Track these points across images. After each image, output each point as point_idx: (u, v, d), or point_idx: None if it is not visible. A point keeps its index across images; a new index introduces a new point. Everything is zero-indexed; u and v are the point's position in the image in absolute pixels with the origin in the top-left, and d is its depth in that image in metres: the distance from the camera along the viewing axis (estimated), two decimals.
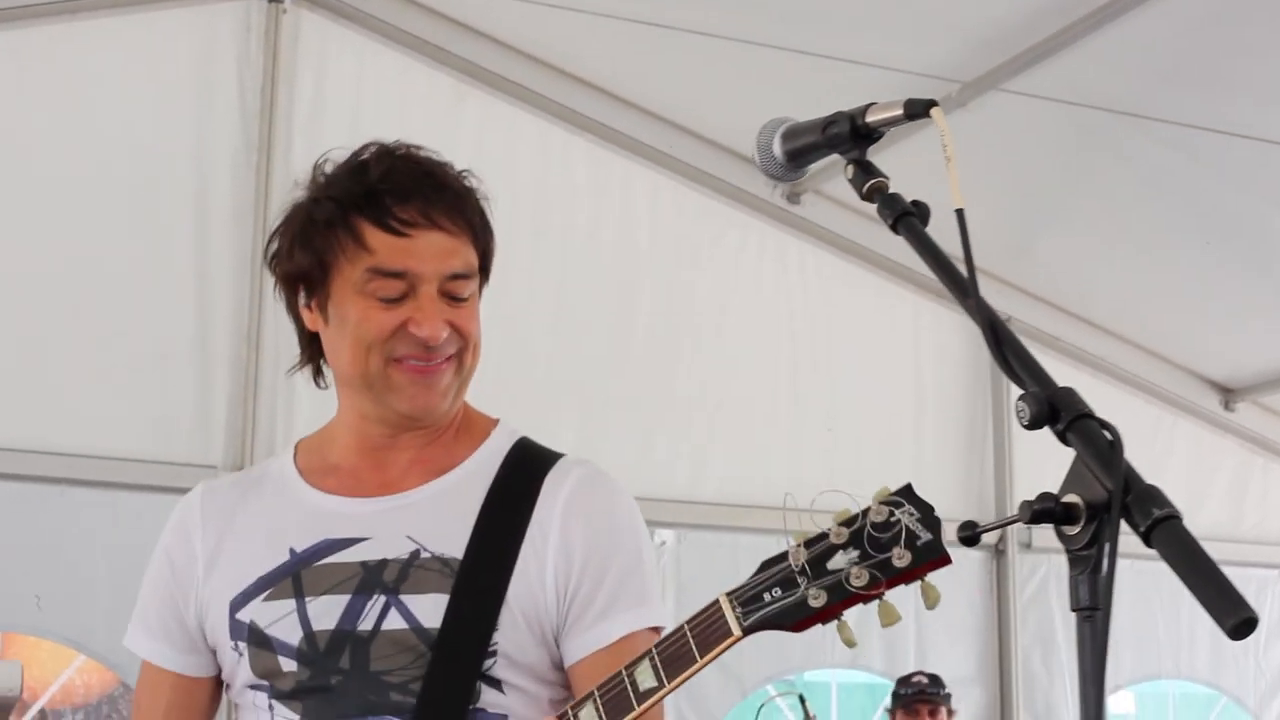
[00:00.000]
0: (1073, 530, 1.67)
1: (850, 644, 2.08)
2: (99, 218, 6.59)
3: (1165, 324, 8.56)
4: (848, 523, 2.04)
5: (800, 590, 2.06)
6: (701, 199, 7.79)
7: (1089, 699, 1.69)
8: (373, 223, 2.52)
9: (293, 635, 2.50)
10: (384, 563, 2.50)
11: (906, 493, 2.03)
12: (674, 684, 2.14)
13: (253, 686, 2.55)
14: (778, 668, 7.74)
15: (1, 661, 5.36)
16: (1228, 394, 8.96)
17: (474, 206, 2.65)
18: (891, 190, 2.11)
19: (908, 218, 2.06)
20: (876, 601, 2.04)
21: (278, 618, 2.51)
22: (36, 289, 6.45)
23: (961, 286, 1.95)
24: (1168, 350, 8.73)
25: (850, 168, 2.15)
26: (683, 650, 2.14)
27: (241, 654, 2.54)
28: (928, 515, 2.00)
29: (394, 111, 7.13)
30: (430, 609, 2.46)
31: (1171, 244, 7.80)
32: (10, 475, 6.28)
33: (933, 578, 2.02)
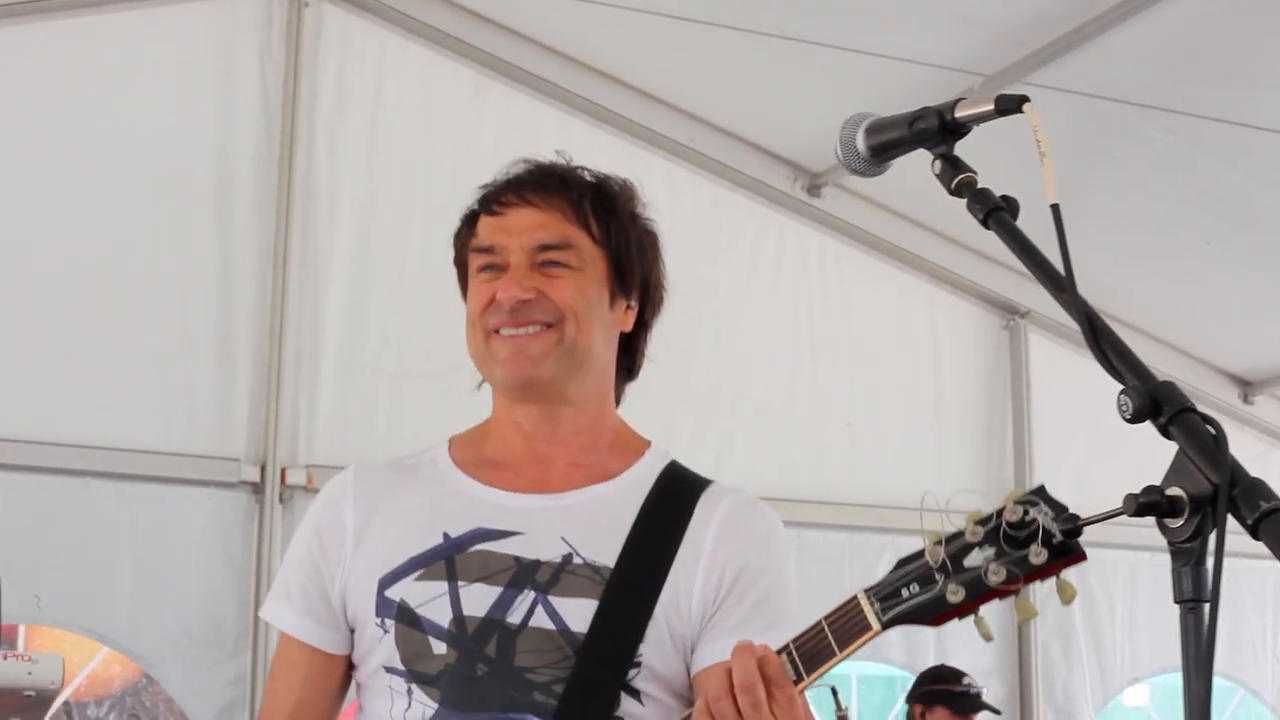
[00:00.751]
0: (1176, 523, 1.68)
1: (988, 638, 2.11)
2: (121, 211, 6.61)
3: (1184, 317, 8.56)
4: (983, 522, 2.07)
5: (938, 586, 2.10)
6: (722, 191, 7.80)
7: (1194, 691, 1.70)
8: (482, 211, 2.72)
9: (443, 617, 2.53)
10: (537, 563, 2.54)
11: (1041, 492, 2.05)
12: (812, 677, 2.19)
13: (390, 669, 2.56)
14: None
15: (43, 655, 5.37)
16: (1246, 387, 8.97)
17: (582, 187, 2.76)
18: (981, 185, 2.11)
19: (998, 213, 2.06)
20: (1012, 598, 2.09)
21: (429, 598, 2.54)
22: (59, 282, 6.47)
23: (1057, 282, 1.96)
24: (1186, 343, 8.73)
25: (937, 163, 2.16)
26: (821, 645, 2.18)
27: (387, 631, 2.56)
28: (1062, 514, 2.02)
29: (415, 104, 7.16)
30: (578, 613, 2.51)
31: (1191, 237, 7.79)
32: (34, 468, 6.29)
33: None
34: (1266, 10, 6.11)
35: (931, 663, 7.65)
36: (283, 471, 6.56)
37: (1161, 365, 8.59)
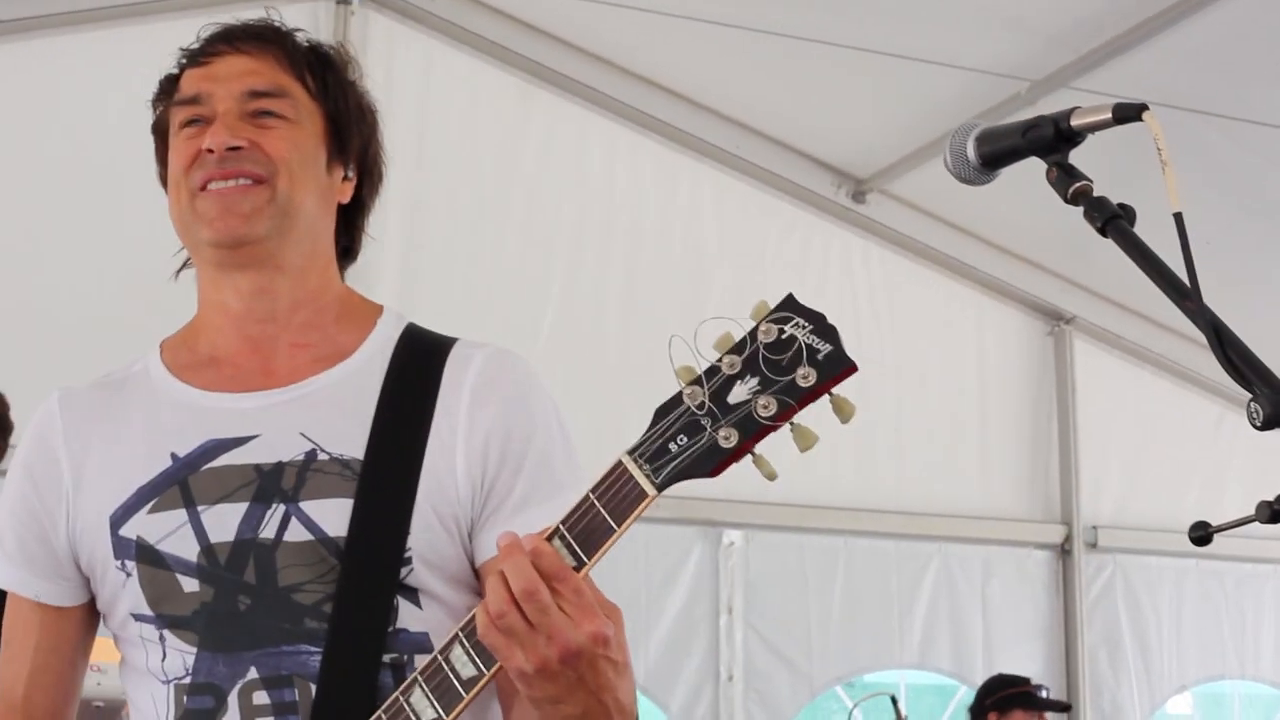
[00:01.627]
0: None
1: (771, 477, 1.94)
2: (168, 219, 6.63)
3: (1228, 321, 8.50)
4: (736, 349, 1.92)
5: (707, 433, 1.92)
6: (768, 198, 7.80)
7: None
8: (188, 67, 2.43)
9: (189, 550, 2.22)
10: (280, 466, 2.24)
11: (790, 304, 1.94)
12: (593, 560, 1.94)
13: (139, 616, 2.25)
14: (846, 668, 7.74)
15: (112, 665, 5.34)
16: None
17: (297, 41, 2.45)
18: (1098, 194, 2.10)
19: (1116, 220, 2.04)
20: (789, 427, 1.92)
21: (169, 531, 2.23)
22: (106, 296, 6.50)
23: (1179, 289, 1.91)
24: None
25: (1052, 170, 2.13)
26: (595, 523, 1.95)
27: (130, 574, 2.25)
28: (820, 324, 1.92)
29: (461, 112, 7.17)
30: (335, 516, 2.22)
31: (1238, 242, 7.76)
32: None
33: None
34: None
35: (981, 670, 7.63)
36: None
37: (1205, 370, 8.55)
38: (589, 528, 1.95)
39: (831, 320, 1.91)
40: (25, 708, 2.38)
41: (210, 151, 2.30)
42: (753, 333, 1.90)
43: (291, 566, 2.20)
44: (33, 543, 2.34)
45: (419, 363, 2.36)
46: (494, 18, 7.14)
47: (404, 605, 2.21)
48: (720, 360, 1.91)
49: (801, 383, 1.90)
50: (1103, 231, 2.00)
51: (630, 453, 1.94)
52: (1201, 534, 1.79)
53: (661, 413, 1.95)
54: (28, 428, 2.42)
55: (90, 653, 2.44)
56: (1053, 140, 2.12)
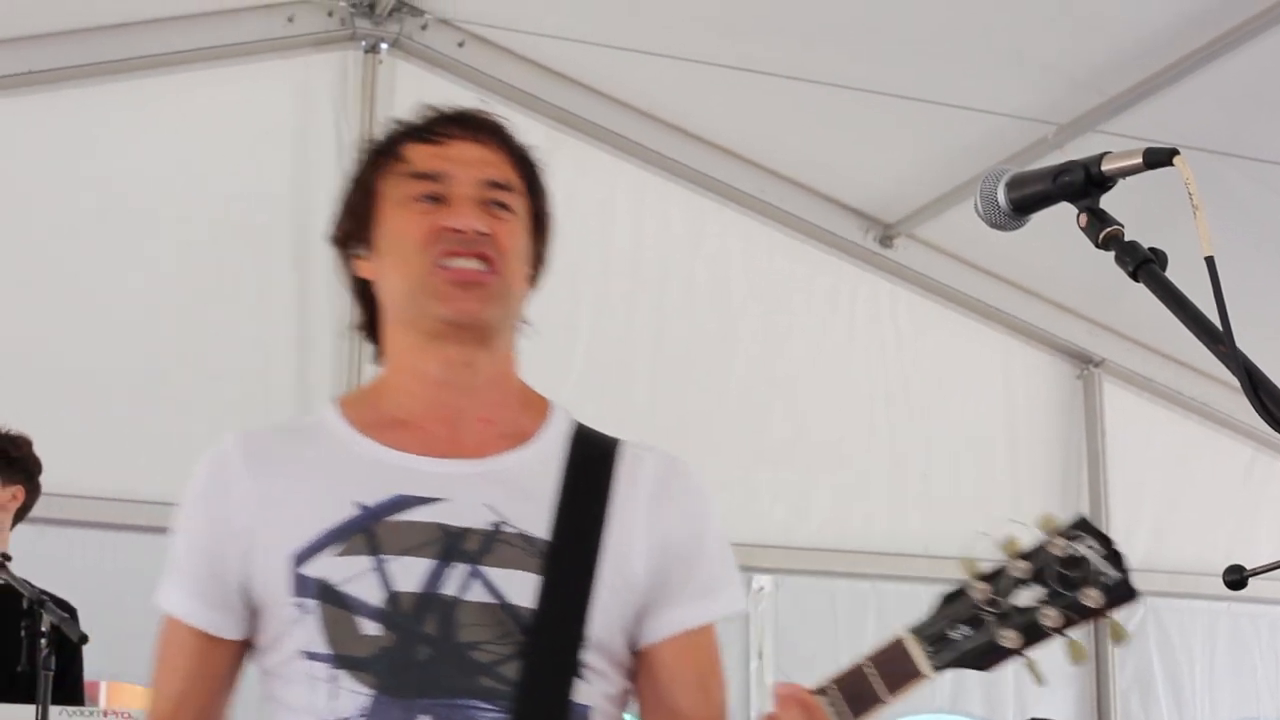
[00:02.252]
0: None
1: (1041, 681, 2.11)
2: (201, 267, 6.68)
3: (1261, 366, 8.48)
4: (1027, 556, 2.06)
5: (989, 628, 2.08)
6: (795, 244, 7.81)
7: None
8: (413, 139, 2.57)
9: (373, 595, 2.33)
10: (465, 531, 2.37)
11: (1084, 524, 2.06)
12: None
13: (311, 654, 2.34)
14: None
15: (132, 711, 5.41)
16: None
17: (519, 143, 2.65)
18: (1129, 238, 2.11)
19: (1148, 265, 2.04)
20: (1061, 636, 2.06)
21: (353, 575, 2.34)
22: (138, 338, 6.54)
23: (1212, 334, 1.92)
24: None
25: (1083, 216, 2.13)
26: (866, 689, 2.11)
27: (308, 612, 2.34)
28: (1110, 548, 2.03)
29: None
30: (519, 587, 2.36)
31: (1269, 286, 7.74)
32: (116, 525, 6.33)
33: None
34: None
35: (1011, 714, 7.60)
36: None
37: (1236, 413, 8.53)
38: (859, 692, 2.10)
39: (1117, 545, 2.05)
40: None
41: (458, 231, 2.46)
42: (1045, 544, 2.06)
43: (472, 625, 2.33)
44: (207, 575, 2.45)
45: (594, 456, 2.55)
46: (521, 65, 7.17)
47: (575, 680, 2.38)
48: (1008, 564, 2.08)
49: (1087, 603, 2.05)
50: (1134, 276, 2.02)
51: (914, 631, 2.13)
52: (1236, 578, 1.80)
53: (948, 600, 2.14)
54: (200, 467, 2.55)
55: (236, 689, 2.58)
56: (1084, 185, 2.13)
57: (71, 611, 5.09)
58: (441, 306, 2.44)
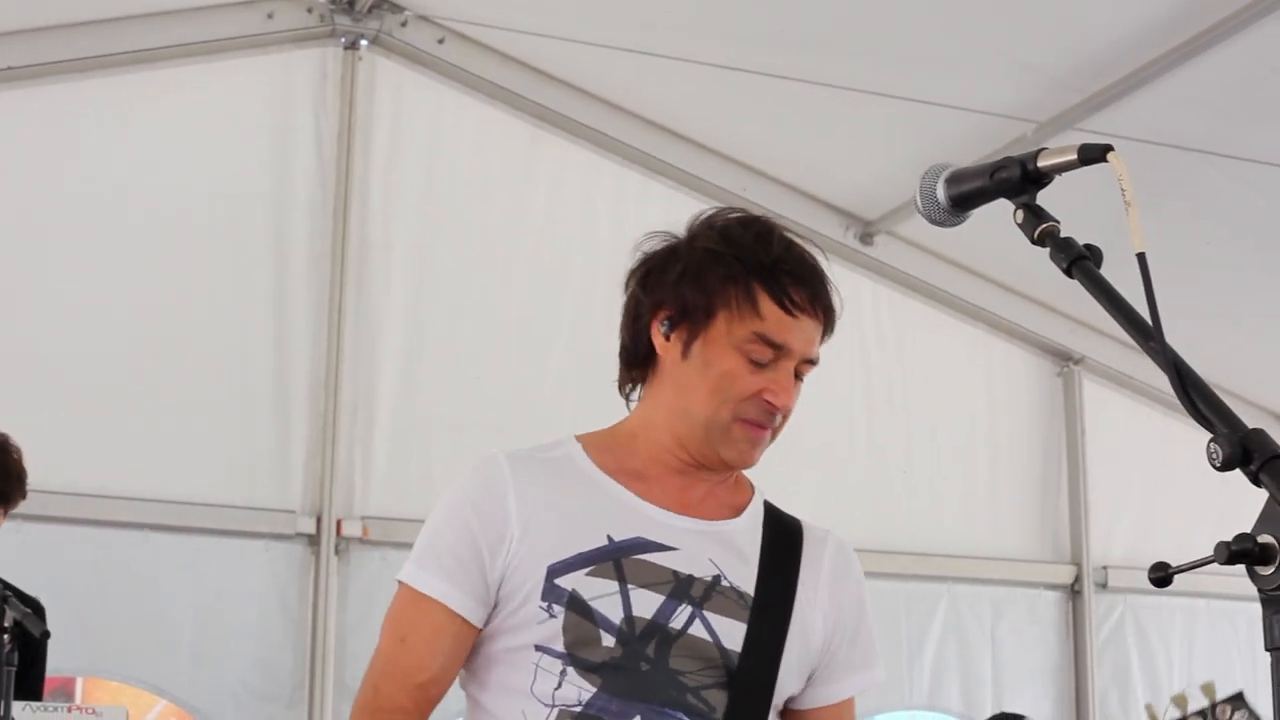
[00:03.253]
0: (1267, 570, 1.66)
1: None
2: (179, 264, 6.67)
3: (1239, 361, 8.50)
4: (1200, 714, 2.33)
5: None
6: None
7: None
8: (770, 294, 2.76)
9: (615, 614, 2.65)
10: (691, 579, 2.71)
11: (1241, 699, 2.33)
12: None
13: (545, 649, 2.66)
14: (857, 709, 7.71)
15: (107, 708, 5.38)
16: None
17: (834, 320, 2.88)
18: (1065, 234, 2.09)
19: (1082, 261, 2.04)
20: None
21: (601, 594, 2.66)
22: (116, 335, 6.53)
23: (1143, 330, 1.92)
24: (1241, 387, 8.68)
25: (1020, 212, 2.13)
26: None
27: (554, 616, 2.65)
28: None
29: (470, 157, 7.19)
30: (730, 631, 2.70)
31: (1246, 282, 7.76)
32: (93, 521, 6.34)
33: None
34: None
35: (989, 710, 7.61)
36: (338, 524, 6.59)
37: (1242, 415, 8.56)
38: None
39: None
40: (422, 695, 2.73)
41: (771, 405, 2.78)
42: (1214, 708, 2.36)
43: (685, 655, 2.68)
44: (469, 565, 2.71)
45: (785, 531, 2.94)
46: (502, 62, 7.16)
47: (768, 715, 2.76)
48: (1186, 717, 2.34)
49: None
50: (1068, 272, 2.02)
51: None
52: (1161, 575, 1.79)
53: None
54: (474, 474, 2.79)
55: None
56: (1020, 182, 2.14)
57: (36, 607, 5.06)
58: (729, 453, 2.81)
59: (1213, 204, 7.12)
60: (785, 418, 2.84)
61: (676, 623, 2.68)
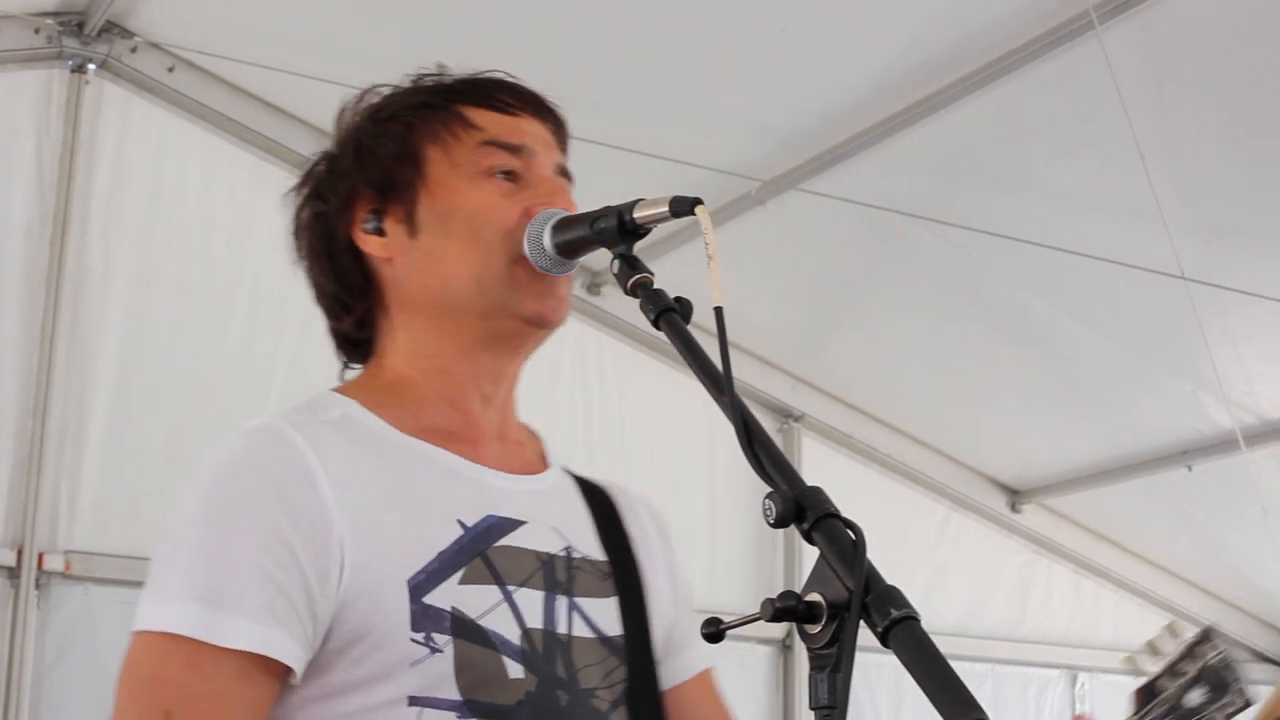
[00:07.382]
0: (814, 629, 1.66)
1: None
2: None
3: (955, 425, 8.70)
4: (1181, 659, 2.29)
5: None
6: None
7: None
8: (478, 104, 2.30)
9: (511, 631, 2.01)
10: (552, 559, 2.14)
11: (1214, 633, 2.32)
12: None
13: (429, 701, 1.92)
14: None
15: None
16: (1014, 495, 9.14)
17: (567, 137, 2.46)
18: (656, 286, 2.10)
19: (669, 314, 2.06)
20: None
21: (487, 607, 2.00)
22: None
23: (717, 383, 1.97)
24: (957, 451, 8.88)
25: (616, 263, 2.13)
26: None
27: (438, 651, 1.93)
28: (1233, 657, 2.28)
29: (196, 187, 7.06)
30: (606, 615, 2.18)
31: (962, 347, 7.93)
32: None
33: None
34: (1031, 128, 6.30)
35: None
36: (40, 557, 6.38)
37: (932, 472, 8.76)
38: None
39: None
40: None
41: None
42: (1191, 647, 2.32)
43: (587, 667, 2.11)
44: (289, 592, 1.89)
45: (592, 485, 2.39)
46: (232, 93, 7.05)
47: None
48: (1179, 663, 2.30)
49: (1231, 708, 2.29)
50: (656, 324, 2.05)
51: None
52: (713, 630, 1.82)
53: (1143, 697, 2.34)
54: (254, 453, 2.00)
55: None
56: (617, 232, 2.15)
57: None
58: (530, 304, 2.22)
59: (926, 265, 7.28)
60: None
61: (563, 625, 2.09)
